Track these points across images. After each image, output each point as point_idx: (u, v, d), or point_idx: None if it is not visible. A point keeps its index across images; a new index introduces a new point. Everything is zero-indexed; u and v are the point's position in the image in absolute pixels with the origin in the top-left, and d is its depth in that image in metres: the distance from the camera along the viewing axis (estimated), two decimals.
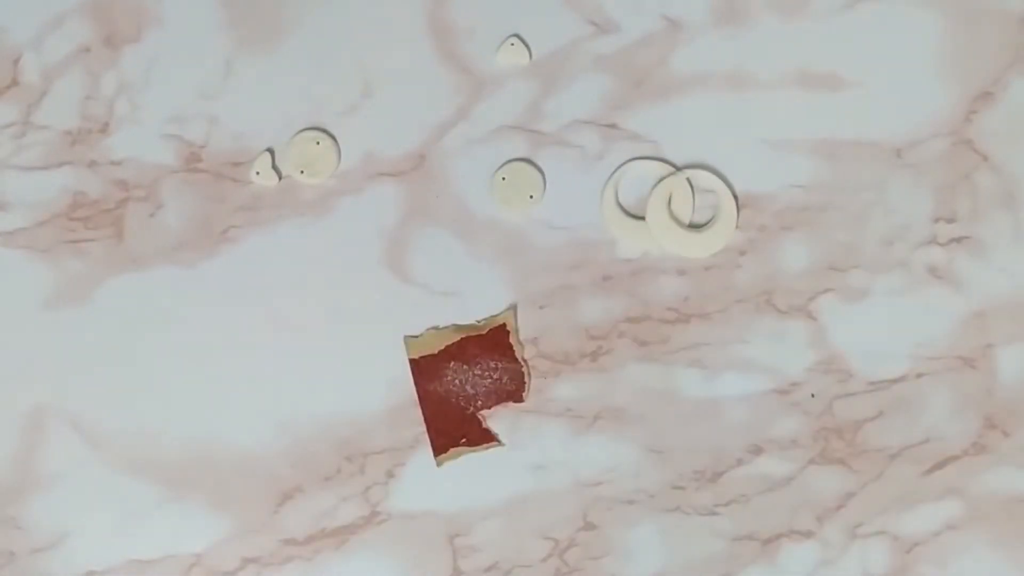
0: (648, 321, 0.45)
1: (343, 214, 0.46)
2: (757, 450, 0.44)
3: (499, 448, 0.44)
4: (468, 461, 0.44)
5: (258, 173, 0.46)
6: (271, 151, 0.46)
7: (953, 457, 0.45)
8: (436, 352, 0.45)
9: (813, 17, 0.46)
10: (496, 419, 0.45)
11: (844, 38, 0.46)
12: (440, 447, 0.44)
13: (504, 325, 0.45)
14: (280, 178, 0.46)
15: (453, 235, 0.46)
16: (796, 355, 0.45)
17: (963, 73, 0.46)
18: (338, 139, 0.46)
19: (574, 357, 0.45)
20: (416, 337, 0.45)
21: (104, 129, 0.46)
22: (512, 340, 0.45)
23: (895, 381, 0.45)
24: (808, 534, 0.44)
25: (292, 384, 0.42)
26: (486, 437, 0.44)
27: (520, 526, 0.45)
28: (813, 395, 0.45)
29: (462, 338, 0.45)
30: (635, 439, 0.45)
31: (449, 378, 0.45)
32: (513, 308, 0.45)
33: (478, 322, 0.45)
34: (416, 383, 0.45)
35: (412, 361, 0.45)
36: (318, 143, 0.45)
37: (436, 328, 0.45)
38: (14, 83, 0.46)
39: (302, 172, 0.45)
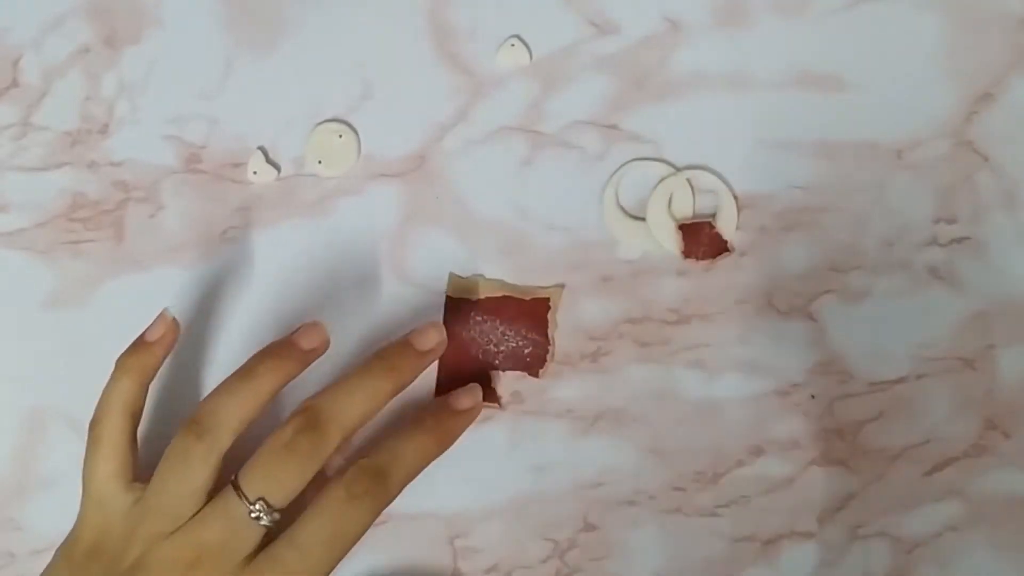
0: (648, 322, 0.45)
1: (343, 215, 0.46)
2: (758, 451, 0.44)
3: (497, 410, 0.44)
4: (468, 462, 0.43)
5: (255, 172, 0.46)
6: (263, 148, 0.46)
7: (954, 458, 0.45)
8: (474, 299, 0.45)
9: (813, 18, 0.46)
10: (502, 384, 0.45)
11: (844, 39, 0.45)
12: (443, 390, 0.44)
13: (548, 300, 0.44)
14: (279, 171, 0.46)
15: (453, 235, 0.45)
16: (796, 356, 0.45)
17: (964, 74, 0.45)
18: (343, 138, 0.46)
19: (574, 358, 0.45)
20: (462, 278, 0.45)
21: (104, 130, 0.46)
22: (549, 317, 0.44)
23: (896, 382, 0.45)
24: (809, 535, 0.44)
25: (291, 385, 0.42)
26: (490, 397, 0.44)
27: (520, 527, 0.45)
28: (813, 396, 0.45)
29: (504, 295, 0.45)
30: (635, 440, 0.45)
31: (476, 326, 0.45)
32: (561, 287, 0.45)
33: (525, 287, 0.45)
34: (444, 321, 0.45)
35: (448, 298, 0.45)
36: (340, 136, 0.45)
37: (483, 277, 0.45)
38: (14, 84, 0.46)
39: (319, 163, 0.45)
